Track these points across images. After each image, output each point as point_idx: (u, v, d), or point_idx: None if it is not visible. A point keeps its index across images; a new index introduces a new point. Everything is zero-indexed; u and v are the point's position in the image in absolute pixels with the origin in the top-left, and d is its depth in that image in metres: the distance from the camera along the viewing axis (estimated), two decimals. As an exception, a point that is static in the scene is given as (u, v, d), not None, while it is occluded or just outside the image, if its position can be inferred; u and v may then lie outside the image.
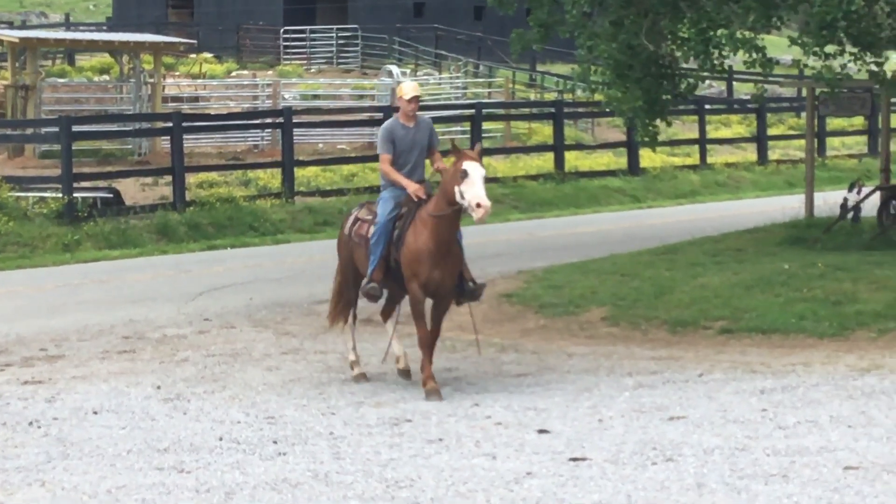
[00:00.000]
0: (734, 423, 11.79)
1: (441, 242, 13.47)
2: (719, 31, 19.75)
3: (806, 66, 21.00)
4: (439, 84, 49.59)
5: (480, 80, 52.99)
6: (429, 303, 13.97)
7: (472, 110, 37.12)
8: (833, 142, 45.05)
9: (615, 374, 14.47)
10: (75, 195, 27.74)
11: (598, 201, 35.16)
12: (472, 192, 13.03)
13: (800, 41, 19.70)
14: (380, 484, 10.01)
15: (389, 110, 35.59)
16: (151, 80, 39.24)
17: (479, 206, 12.99)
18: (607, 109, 26.37)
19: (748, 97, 41.05)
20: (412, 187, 13.83)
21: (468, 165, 13.22)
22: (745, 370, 14.41)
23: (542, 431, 11.74)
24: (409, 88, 14.48)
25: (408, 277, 13.64)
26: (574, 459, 10.66)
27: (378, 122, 34.51)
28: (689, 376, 14.19)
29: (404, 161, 14.09)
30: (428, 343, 13.72)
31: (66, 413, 12.92)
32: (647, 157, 38.44)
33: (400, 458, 10.80)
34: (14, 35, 41.63)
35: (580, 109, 41.57)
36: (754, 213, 27.51)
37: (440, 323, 14.07)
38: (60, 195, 27.68)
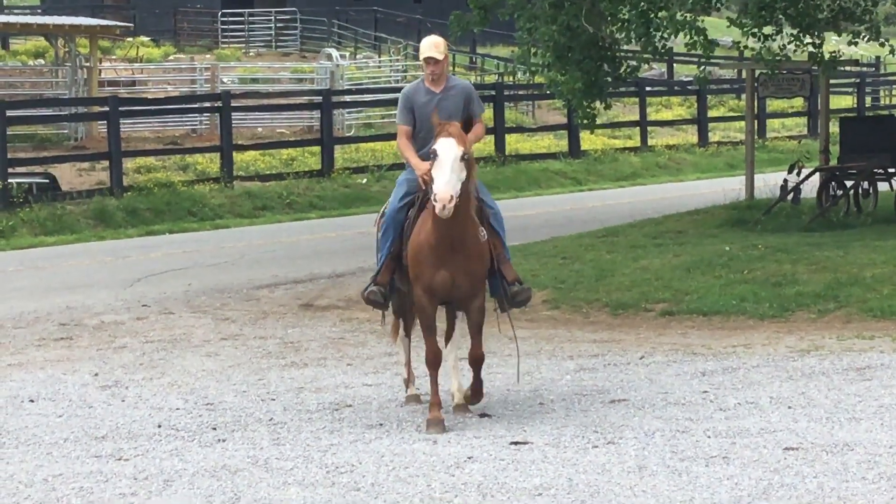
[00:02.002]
0: (675, 406, 11.84)
1: (443, 236, 11.15)
2: (660, 13, 19.85)
3: (746, 47, 21.15)
4: (379, 67, 49.59)
5: (420, 62, 52.87)
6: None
7: (412, 93, 37.01)
8: (773, 123, 45.36)
9: (556, 358, 14.52)
10: (10, 181, 27.62)
11: (539, 184, 35.28)
12: (437, 179, 10.82)
13: (739, 22, 19.82)
14: (320, 469, 9.99)
15: (328, 94, 35.67)
16: (87, 65, 39.06)
17: (436, 198, 10.77)
18: (548, 92, 26.45)
19: (689, 79, 41.37)
20: (420, 168, 11.46)
21: (440, 144, 10.95)
22: (686, 352, 14.49)
23: (483, 415, 11.76)
24: (425, 46, 11.92)
25: (411, 280, 11.57)
26: (515, 443, 10.68)
27: (317, 106, 34.65)
28: (631, 359, 14.26)
29: (426, 134, 11.55)
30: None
31: (1, 401, 12.86)
32: (588, 140, 38.51)
33: (340, 444, 10.79)
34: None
35: (520, 92, 41.70)
36: (695, 196, 27.70)
37: (476, 337, 11.65)
38: (-5, 180, 27.52)
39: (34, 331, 16.79)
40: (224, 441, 11.08)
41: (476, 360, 11.73)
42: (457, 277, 11.34)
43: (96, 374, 14.06)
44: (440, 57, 11.83)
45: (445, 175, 10.82)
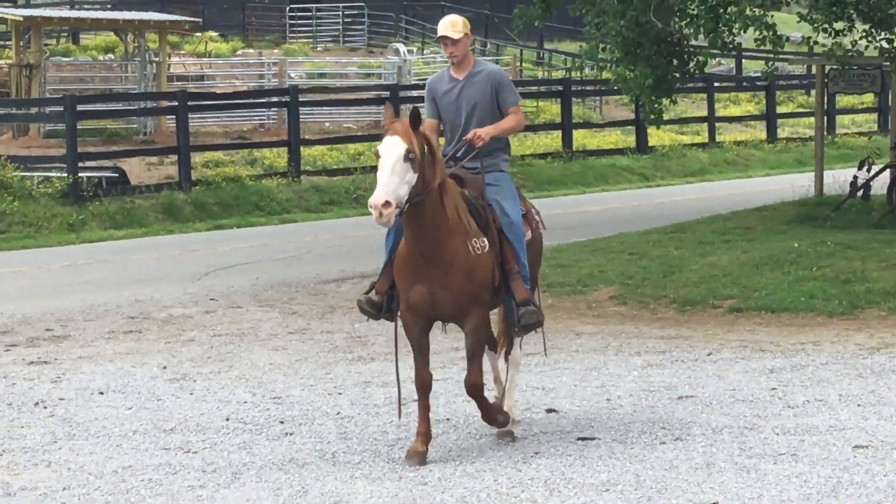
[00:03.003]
0: (743, 403, 11.80)
1: (414, 244, 9.75)
2: (729, 8, 19.77)
3: (816, 42, 21.01)
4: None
5: (488, 58, 52.86)
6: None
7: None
8: (843, 119, 44.98)
9: (623, 354, 14.48)
10: (80, 175, 27.79)
11: (607, 180, 35.16)
12: (377, 182, 9.33)
13: (809, 18, 19.71)
14: (387, 464, 10.03)
15: (396, 88, 35.71)
16: (156, 59, 39.26)
17: (369, 204, 9.32)
18: (615, 87, 26.40)
19: (758, 74, 41.10)
20: None
21: (383, 142, 9.43)
22: (754, 349, 14.42)
23: (550, 411, 11.76)
24: (441, 25, 10.41)
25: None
26: (582, 439, 10.68)
27: (383, 101, 34.68)
28: (699, 355, 14.19)
29: (452, 125, 10.39)
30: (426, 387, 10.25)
31: (71, 393, 12.95)
32: (656, 136, 38.35)
33: (407, 439, 10.79)
34: (18, 14, 41.57)
35: (588, 87, 41.59)
36: (764, 192, 27.49)
37: (471, 362, 10.21)
38: (65, 175, 27.74)
39: (104, 324, 16.91)
40: (291, 435, 11.13)
41: (472, 389, 10.17)
42: (436, 294, 9.79)
43: (165, 367, 14.14)
44: (457, 36, 10.25)
45: (384, 178, 9.24)
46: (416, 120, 9.52)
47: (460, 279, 9.73)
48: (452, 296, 9.78)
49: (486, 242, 9.90)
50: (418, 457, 9.96)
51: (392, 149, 9.36)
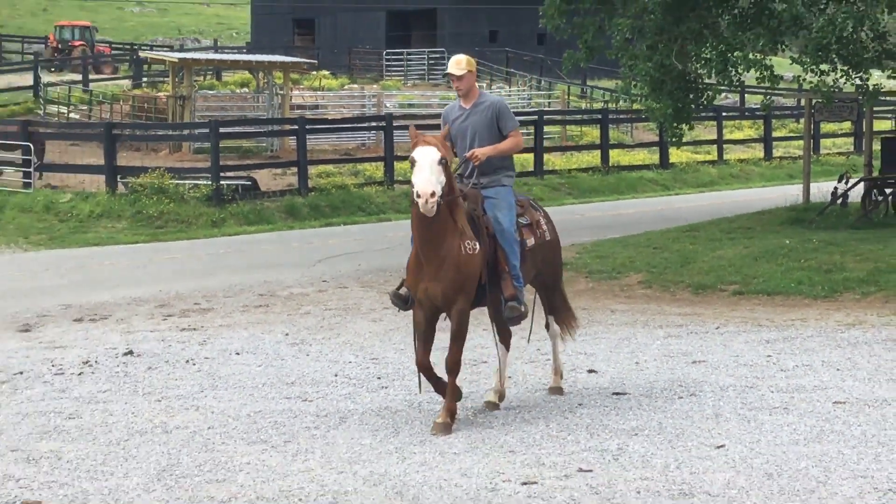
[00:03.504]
0: (744, 366, 11.74)
1: (420, 243, 9.37)
2: (735, 53, 19.70)
3: (805, 80, 20.82)
4: (509, 95, 49.50)
5: (542, 92, 52.84)
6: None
7: (536, 116, 37.01)
8: (826, 142, 44.47)
9: (649, 327, 14.43)
10: (221, 182, 28.02)
11: (636, 189, 35.03)
12: (417, 179, 9.02)
13: (800, 60, 19.55)
14: (462, 412, 10.04)
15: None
16: (281, 92, 39.47)
17: (418, 194, 8.98)
18: (644, 116, 26.34)
19: (757, 106, 40.89)
20: None
21: (418, 152, 9.12)
22: (753, 324, 14.34)
23: (590, 371, 11.76)
24: (452, 64, 9.88)
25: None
26: (616, 394, 10.67)
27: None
28: (709, 329, 14.13)
29: (460, 147, 9.92)
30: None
31: (214, 354, 13.07)
32: (675, 154, 38.20)
33: (477, 392, 10.83)
34: (174, 56, 41.95)
35: (622, 116, 41.47)
36: (761, 199, 27.35)
37: (453, 343, 9.57)
38: (210, 182, 27.94)
39: (239, 299, 17.04)
40: (386, 388, 11.18)
41: (452, 365, 9.49)
42: (429, 286, 9.33)
43: (287, 334, 14.23)
44: (459, 73, 9.74)
45: (424, 174, 8.94)
46: (447, 135, 9.54)
47: (451, 272, 9.20)
48: (442, 287, 9.21)
49: (478, 245, 9.36)
50: (444, 428, 9.32)
51: (428, 155, 9.02)
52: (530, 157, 34.71)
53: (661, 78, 20.35)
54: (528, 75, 55.74)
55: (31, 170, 28.84)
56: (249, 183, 29.27)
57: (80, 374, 12.06)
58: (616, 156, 37.84)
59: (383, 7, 65.56)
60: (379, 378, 11.58)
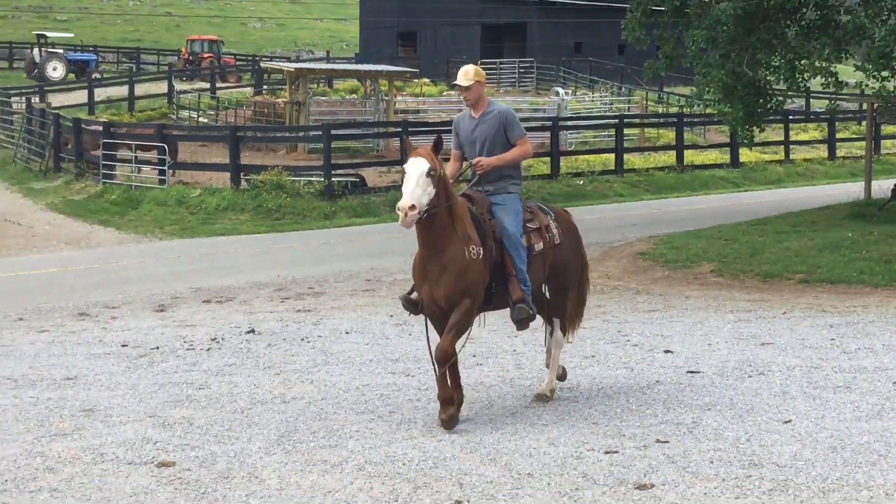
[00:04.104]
0: (810, 349, 11.55)
1: (423, 248, 8.68)
2: (802, 62, 19.41)
3: (867, 86, 20.44)
4: (592, 101, 49.21)
5: (622, 98, 52.42)
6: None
7: (617, 120, 36.75)
8: (886, 143, 43.50)
9: (720, 311, 14.27)
10: (333, 179, 28.17)
11: (708, 186, 34.61)
12: (403, 191, 8.36)
13: (863, 68, 19.22)
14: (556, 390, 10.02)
15: (556, 120, 35.53)
16: (386, 98, 39.61)
17: (398, 208, 8.31)
18: (716, 119, 26.06)
19: (822, 110, 40.20)
20: None
21: (408, 163, 8.42)
22: (818, 310, 14.12)
23: (667, 351, 11.64)
24: (460, 75, 9.26)
25: None
26: (691, 372, 10.56)
27: (548, 129, 34.56)
28: (776, 314, 13.93)
29: (470, 155, 9.23)
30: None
31: (326, 332, 13.17)
32: (745, 154, 37.64)
33: (569, 369, 10.79)
34: (291, 66, 42.25)
35: (696, 119, 40.89)
36: (825, 196, 26.83)
37: (447, 333, 8.69)
38: (322, 179, 28.13)
39: (348, 284, 17.14)
40: (481, 365, 11.18)
41: (442, 354, 8.65)
42: (434, 289, 8.65)
43: (391, 315, 14.28)
44: (467, 83, 9.10)
45: (409, 187, 8.25)
46: (437, 145, 8.43)
47: (454, 278, 8.49)
48: (445, 290, 8.52)
49: (482, 250, 8.61)
50: (447, 422, 8.64)
51: (417, 166, 8.30)
52: (612, 156, 34.51)
53: (732, 84, 20.12)
54: (610, 82, 55.39)
55: (166, 168, 29.28)
56: (358, 179, 29.42)
57: (208, 350, 12.24)
58: (690, 156, 37.40)
59: (478, 21, 65.71)
60: (474, 356, 11.58)
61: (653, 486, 7.17)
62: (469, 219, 8.71)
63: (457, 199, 8.69)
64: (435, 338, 8.93)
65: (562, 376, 9.81)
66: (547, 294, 9.66)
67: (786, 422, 8.63)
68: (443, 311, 8.73)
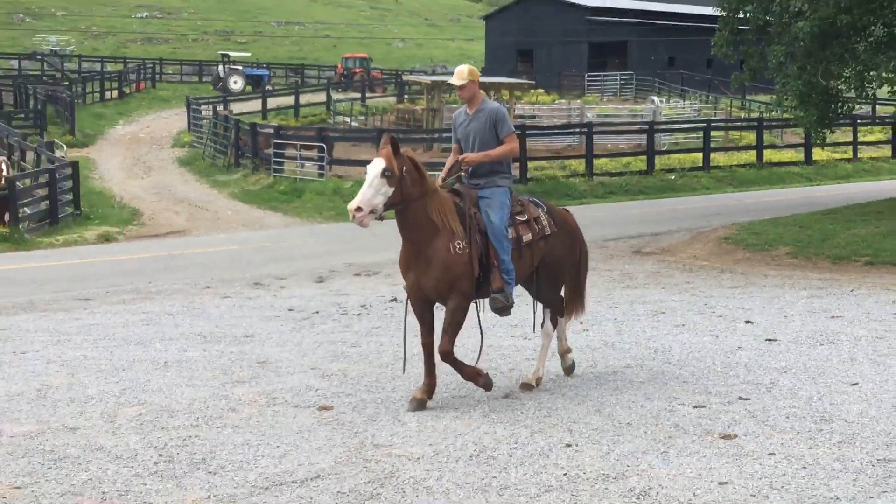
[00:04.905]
0: (875, 321, 11.17)
1: (406, 241, 7.79)
2: (871, 73, 18.79)
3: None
4: (683, 108, 48.37)
5: (709, 105, 51.42)
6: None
7: (704, 124, 36.03)
8: (944, 144, 41.99)
9: (795, 288, 13.91)
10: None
11: (784, 181, 33.72)
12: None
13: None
14: (646, 351, 9.90)
15: (652, 124, 34.99)
16: (507, 105, 39.51)
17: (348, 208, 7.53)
18: (792, 123, 25.35)
19: (888, 115, 38.85)
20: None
21: (372, 162, 7.58)
22: (882, 288, 13.66)
23: (748, 322, 11.39)
24: (455, 74, 8.21)
25: None
26: (769, 340, 10.31)
27: (644, 132, 34.07)
28: (844, 291, 13.52)
29: (465, 149, 8.27)
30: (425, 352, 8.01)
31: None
32: (817, 153, 36.58)
33: (657, 336, 10.65)
34: (428, 79, 42.49)
35: (774, 123, 39.86)
36: (889, 190, 25.99)
37: (444, 333, 7.89)
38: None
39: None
40: (587, 331, 11.08)
41: (444, 355, 7.87)
42: (420, 280, 7.77)
43: (511, 288, 14.24)
44: (460, 83, 8.09)
45: (362, 189, 7.45)
46: (395, 147, 7.57)
47: (438, 271, 7.65)
48: (432, 283, 7.70)
49: (467, 244, 7.74)
50: (416, 403, 7.89)
51: (374, 167, 7.49)
52: (699, 155, 33.90)
53: (808, 93, 19.55)
54: (699, 92, 54.37)
55: (324, 163, 29.69)
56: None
57: (358, 315, 12.38)
58: (768, 154, 36.46)
59: (585, 40, 65.22)
60: (581, 323, 11.44)
61: (736, 436, 7.04)
62: (454, 212, 7.81)
63: (435, 193, 7.77)
64: (412, 322, 8.14)
65: (570, 369, 8.87)
66: (543, 284, 8.58)
67: (853, 384, 8.37)
68: (428, 301, 7.88)
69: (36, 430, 7.40)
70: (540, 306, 8.82)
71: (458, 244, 7.71)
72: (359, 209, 7.37)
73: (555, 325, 8.75)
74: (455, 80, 8.13)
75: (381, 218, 7.54)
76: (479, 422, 7.52)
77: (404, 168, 7.56)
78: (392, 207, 7.53)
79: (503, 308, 7.98)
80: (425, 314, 7.95)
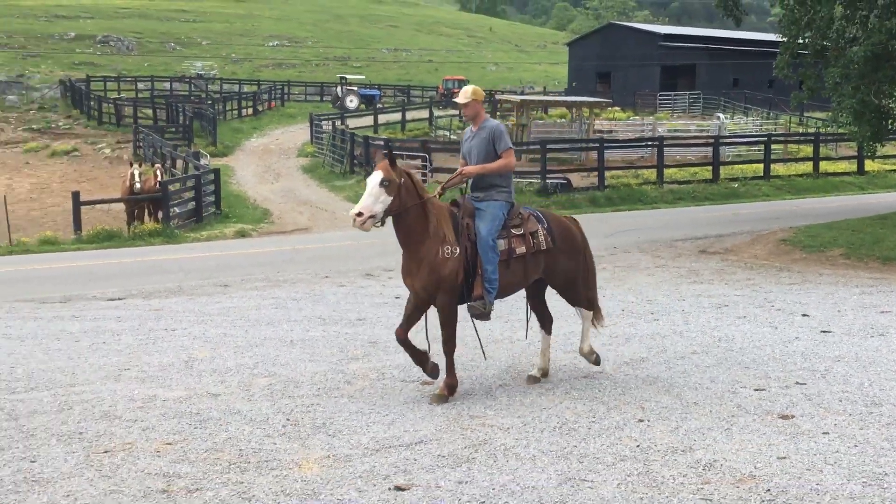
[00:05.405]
0: (922, 317, 10.80)
1: (402, 244, 7.39)
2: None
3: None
4: (746, 124, 47.27)
5: (770, 121, 50.11)
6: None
7: (765, 138, 35.16)
8: None
9: (848, 286, 13.48)
10: (546, 181, 28.09)
11: (838, 189, 32.67)
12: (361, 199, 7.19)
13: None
14: (711, 339, 9.71)
15: (717, 138, 34.26)
16: (587, 121, 39.16)
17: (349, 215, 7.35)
18: (847, 137, 24.52)
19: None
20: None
21: (371, 174, 7.24)
22: (929, 287, 13.18)
23: (804, 315, 11.09)
24: (460, 94, 7.77)
25: None
26: (824, 332, 10.02)
27: (710, 145, 33.37)
28: (893, 289, 13.07)
29: (469, 164, 7.78)
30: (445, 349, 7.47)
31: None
32: (869, 164, 35.39)
33: (720, 326, 10.44)
34: (517, 98, 42.36)
35: (829, 137, 38.68)
36: (936, 198, 25.01)
37: (442, 331, 7.41)
38: (539, 181, 28.07)
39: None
40: (658, 320, 10.91)
41: (444, 349, 7.47)
42: (412, 280, 7.39)
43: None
44: (463, 101, 7.64)
45: (363, 197, 7.11)
46: (391, 160, 7.26)
47: (427, 272, 7.27)
48: (421, 283, 7.30)
49: (457, 250, 7.34)
50: (440, 399, 7.44)
51: (373, 179, 7.16)
52: (760, 166, 33.07)
53: (861, 110, 18.93)
54: (761, 109, 53.03)
55: (427, 171, 29.88)
56: (565, 181, 29.22)
57: (456, 302, 12.39)
58: (824, 165, 35.39)
59: (658, 63, 64.28)
60: (652, 313, 11.36)
61: (793, 416, 6.86)
62: (448, 221, 7.42)
63: (431, 202, 7.39)
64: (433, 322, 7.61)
65: (596, 360, 8.23)
66: (559, 292, 8.07)
67: (901, 373, 8.10)
68: (423, 301, 7.45)
69: (184, 395, 7.62)
70: (534, 315, 8.24)
71: (448, 249, 7.32)
72: (359, 214, 7.04)
73: (589, 308, 8.13)
74: (459, 99, 7.69)
75: (381, 224, 7.23)
76: (562, 398, 7.48)
77: (401, 179, 7.25)
78: (391, 214, 7.21)
79: (480, 315, 7.42)
80: (413, 312, 7.51)
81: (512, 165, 7.67)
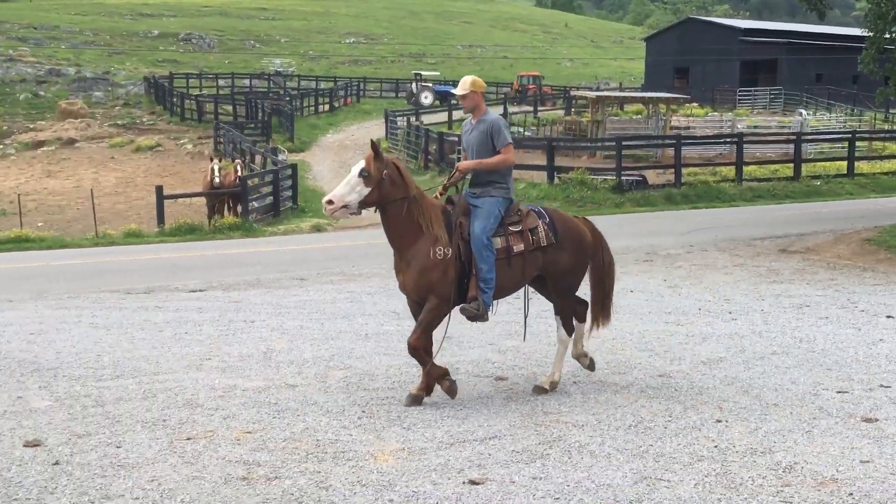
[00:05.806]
0: None
1: (390, 241, 7.15)
2: None
3: None
4: (829, 120, 46.06)
5: (854, 117, 48.71)
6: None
7: (850, 135, 34.20)
8: None
9: (936, 288, 13.06)
10: (622, 178, 27.80)
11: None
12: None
13: None
14: (791, 339, 9.51)
15: (799, 135, 33.44)
16: (664, 118, 38.62)
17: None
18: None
19: None
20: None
21: (356, 164, 7.02)
22: None
23: (888, 317, 10.76)
24: (459, 85, 7.31)
25: None
26: (889, 317, 9.71)
27: (792, 141, 32.57)
28: None
29: (468, 157, 7.43)
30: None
31: (616, 290, 12.94)
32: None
33: (801, 326, 10.21)
34: (593, 94, 41.99)
35: (917, 134, 37.57)
36: None
37: (416, 327, 7.09)
38: (614, 177, 27.81)
39: (631, 256, 16.77)
40: (735, 320, 10.73)
41: (411, 348, 7.09)
42: (403, 280, 7.10)
43: (665, 280, 13.96)
44: (461, 93, 7.25)
45: (339, 186, 6.92)
46: (376, 152, 6.95)
47: (417, 274, 6.94)
48: (411, 283, 6.99)
49: (449, 251, 6.99)
50: (413, 399, 7.20)
51: (355, 168, 6.93)
52: (844, 163, 32.16)
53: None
54: (845, 105, 51.62)
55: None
56: (641, 178, 28.86)
57: (529, 299, 12.34)
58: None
59: (737, 58, 63.03)
60: (730, 312, 11.17)
61: (877, 419, 6.68)
62: (440, 219, 7.10)
63: (419, 198, 7.10)
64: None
65: (590, 366, 7.92)
66: (552, 292, 7.65)
67: None
68: (415, 301, 7.20)
69: (263, 385, 7.78)
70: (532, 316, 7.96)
71: (440, 250, 6.98)
72: (330, 202, 6.83)
73: (569, 331, 7.68)
74: (458, 90, 7.30)
75: (357, 213, 7.01)
76: (637, 396, 7.41)
77: (384, 171, 6.94)
78: (368, 206, 6.95)
79: (475, 317, 7.03)
80: (418, 314, 7.19)
81: (510, 162, 7.35)
